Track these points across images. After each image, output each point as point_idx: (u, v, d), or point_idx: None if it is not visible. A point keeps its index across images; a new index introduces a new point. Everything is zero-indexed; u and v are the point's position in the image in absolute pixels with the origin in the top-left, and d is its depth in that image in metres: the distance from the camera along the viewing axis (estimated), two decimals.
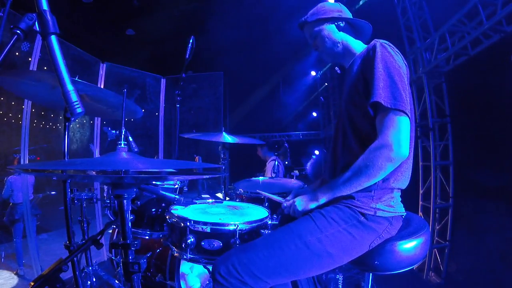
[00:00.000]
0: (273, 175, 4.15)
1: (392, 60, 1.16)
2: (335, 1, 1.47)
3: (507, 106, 3.38)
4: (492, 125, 3.72)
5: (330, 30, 1.39)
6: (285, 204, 1.34)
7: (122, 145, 1.14)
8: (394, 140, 1.07)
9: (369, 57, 1.20)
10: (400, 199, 1.24)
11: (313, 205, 1.21)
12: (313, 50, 1.48)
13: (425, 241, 1.20)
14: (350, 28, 1.41)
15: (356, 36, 1.43)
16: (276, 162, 3.12)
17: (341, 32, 1.39)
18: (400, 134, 1.08)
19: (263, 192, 1.68)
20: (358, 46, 1.40)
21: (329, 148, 1.40)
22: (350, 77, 1.31)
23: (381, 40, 1.23)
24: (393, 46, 1.22)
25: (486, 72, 3.72)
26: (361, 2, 5.40)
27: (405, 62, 1.22)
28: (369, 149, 1.11)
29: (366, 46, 1.35)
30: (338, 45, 1.40)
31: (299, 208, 1.24)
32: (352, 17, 1.41)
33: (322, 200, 1.19)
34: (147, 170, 0.89)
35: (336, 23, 1.38)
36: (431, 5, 4.61)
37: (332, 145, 1.37)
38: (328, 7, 1.40)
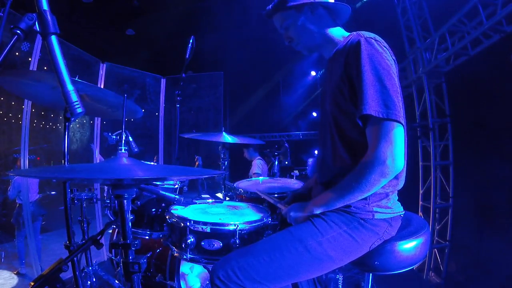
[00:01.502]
0: (259, 171, 4.20)
1: (380, 60, 1.02)
2: None
3: (507, 106, 3.38)
4: (492, 125, 3.72)
5: (305, 18, 1.20)
6: (282, 208, 1.33)
7: (123, 150, 1.13)
8: (388, 154, 0.99)
9: (353, 55, 1.06)
10: (397, 198, 1.22)
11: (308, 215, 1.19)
12: (286, 42, 1.28)
13: (425, 241, 1.19)
14: (325, 11, 1.23)
15: (333, 20, 1.26)
16: (276, 162, 3.12)
17: (317, 19, 1.21)
18: (394, 147, 0.99)
19: (261, 194, 1.68)
20: (338, 34, 1.24)
21: (318, 152, 1.33)
22: (332, 75, 1.18)
23: (366, 34, 1.08)
24: (380, 40, 1.07)
25: (486, 72, 3.72)
26: (362, 2, 5.40)
27: (394, 57, 1.09)
28: (362, 164, 1.03)
29: (346, 34, 1.23)
30: (315, 35, 1.23)
31: (294, 217, 1.22)
32: (327, 0, 1.23)
33: (316, 212, 1.16)
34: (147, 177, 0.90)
35: (311, 10, 1.20)
36: (431, 5, 4.61)
37: (321, 149, 1.28)
38: None
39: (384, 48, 1.07)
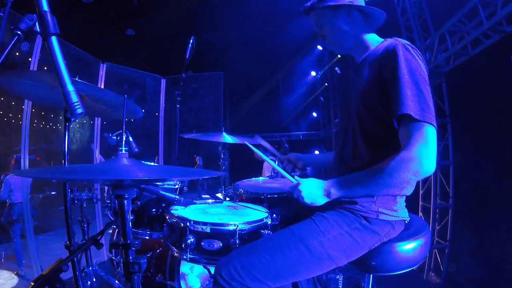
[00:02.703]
0: (273, 174, 4.16)
1: (417, 66, 1.06)
2: None
3: (507, 106, 3.38)
4: (492, 125, 3.72)
5: (340, 19, 1.23)
6: (294, 181, 1.20)
7: (123, 151, 1.13)
8: (423, 154, 0.99)
9: (389, 59, 1.08)
10: (405, 204, 1.23)
11: (323, 200, 1.12)
12: (320, 39, 1.31)
13: (425, 243, 1.19)
14: (361, 15, 1.25)
15: (368, 24, 1.28)
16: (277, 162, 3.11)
17: (352, 21, 1.24)
18: (429, 148, 1.00)
19: (276, 167, 1.53)
20: (372, 39, 1.26)
21: (337, 150, 1.34)
22: (362, 77, 1.19)
23: (403, 41, 1.11)
24: (416, 48, 1.10)
25: (486, 72, 3.71)
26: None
27: (426, 66, 1.12)
28: (396, 160, 1.01)
29: (381, 40, 1.25)
30: (349, 37, 1.26)
31: (307, 201, 1.12)
32: (364, 5, 1.25)
33: (334, 196, 1.11)
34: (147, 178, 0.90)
35: (347, 12, 1.22)
36: (431, 5, 4.60)
37: (340, 149, 1.30)
38: None
39: (420, 56, 1.09)
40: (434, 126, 1.02)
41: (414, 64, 1.06)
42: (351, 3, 1.22)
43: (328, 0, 1.22)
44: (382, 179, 1.03)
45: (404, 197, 1.22)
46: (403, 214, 1.20)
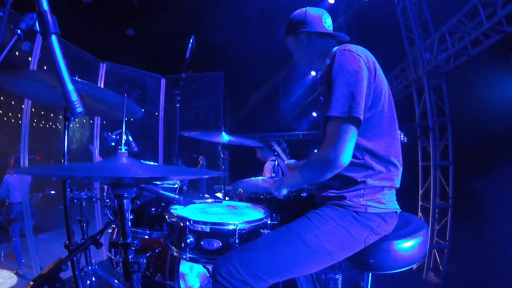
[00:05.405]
0: (273, 174, 4.15)
1: (348, 67, 1.13)
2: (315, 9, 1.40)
3: (507, 106, 3.38)
4: (492, 125, 3.72)
5: (300, 44, 1.39)
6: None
7: (123, 150, 1.13)
8: (330, 151, 1.10)
9: (330, 64, 1.20)
10: (395, 198, 1.26)
11: (284, 191, 1.37)
12: (294, 61, 1.51)
13: (423, 242, 1.20)
14: (323, 38, 1.38)
15: (336, 41, 1.39)
16: (276, 162, 3.11)
17: (312, 45, 1.37)
18: (338, 144, 1.10)
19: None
20: (332, 52, 1.36)
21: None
22: (323, 85, 1.33)
23: (342, 46, 1.23)
24: (354, 50, 1.18)
25: (486, 72, 3.72)
26: (361, 2, 5.40)
27: (368, 64, 1.17)
28: (312, 157, 1.18)
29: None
30: (311, 58, 1.42)
31: (276, 194, 1.37)
32: (327, 29, 1.36)
33: (288, 187, 1.35)
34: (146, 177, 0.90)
35: (307, 38, 1.37)
36: (431, 5, 4.61)
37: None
38: (293, 21, 1.40)
39: (356, 56, 1.16)
40: (351, 119, 1.09)
41: (345, 65, 1.14)
42: (304, 30, 1.36)
43: (290, 29, 1.42)
44: (307, 172, 1.22)
45: (393, 190, 1.26)
46: (392, 205, 1.23)
